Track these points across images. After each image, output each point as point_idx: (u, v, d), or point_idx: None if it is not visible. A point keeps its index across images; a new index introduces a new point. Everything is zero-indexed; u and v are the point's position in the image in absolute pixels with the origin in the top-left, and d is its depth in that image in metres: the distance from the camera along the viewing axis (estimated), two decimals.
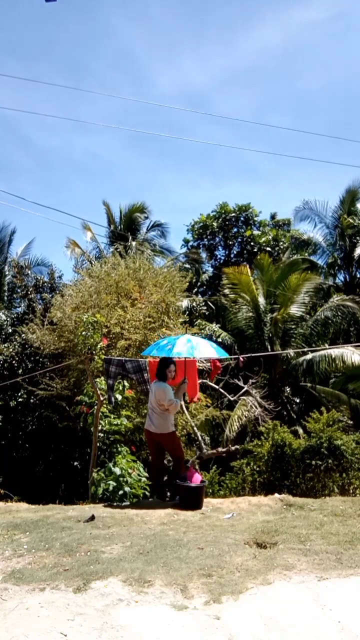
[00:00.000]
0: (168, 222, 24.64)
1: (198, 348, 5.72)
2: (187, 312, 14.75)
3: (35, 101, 60.42)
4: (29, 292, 12.97)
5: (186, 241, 23.16)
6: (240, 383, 9.49)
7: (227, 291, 16.23)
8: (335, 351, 13.65)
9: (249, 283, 15.23)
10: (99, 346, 6.82)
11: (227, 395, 9.25)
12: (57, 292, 12.37)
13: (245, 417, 10.93)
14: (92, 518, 4.76)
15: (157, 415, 5.73)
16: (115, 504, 5.77)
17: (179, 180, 58.66)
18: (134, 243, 18.51)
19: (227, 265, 21.21)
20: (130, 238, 18.64)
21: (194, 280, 19.07)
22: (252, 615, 2.77)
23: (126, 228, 20.19)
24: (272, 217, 25.73)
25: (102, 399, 6.73)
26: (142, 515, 4.94)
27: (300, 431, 10.83)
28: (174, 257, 20.40)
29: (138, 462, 7.15)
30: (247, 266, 16.45)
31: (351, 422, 12.96)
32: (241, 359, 7.64)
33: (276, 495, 6.38)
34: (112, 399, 6.81)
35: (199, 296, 18.95)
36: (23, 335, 10.86)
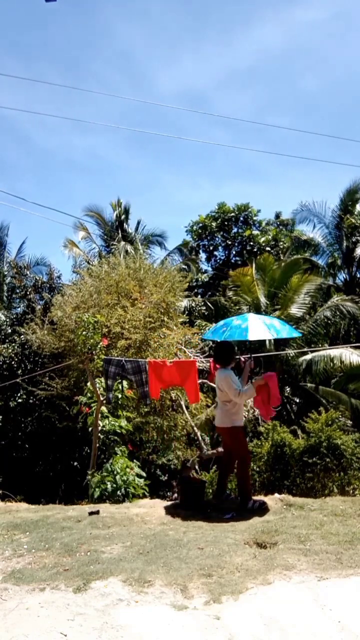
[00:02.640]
0: (165, 223, 25.05)
1: (273, 327, 5.30)
2: (187, 312, 14.76)
3: (35, 101, 60.52)
4: (28, 293, 12.97)
5: (185, 242, 23.19)
6: None
7: (230, 293, 16.24)
8: (334, 351, 13.66)
9: (251, 284, 15.26)
10: (99, 346, 6.82)
11: None
12: (57, 292, 12.39)
13: (245, 417, 10.91)
14: (97, 512, 4.86)
15: (220, 406, 5.25)
16: (115, 504, 5.76)
17: (179, 180, 58.70)
18: (121, 243, 18.61)
19: (227, 266, 21.25)
20: (121, 237, 18.77)
21: (193, 282, 19.13)
22: (252, 615, 2.77)
23: (117, 227, 20.35)
24: (277, 216, 25.72)
25: (102, 399, 6.72)
26: (142, 515, 4.93)
27: (300, 431, 10.82)
28: (168, 253, 20.61)
29: (136, 461, 7.16)
30: (251, 266, 16.49)
31: (350, 422, 12.95)
32: (242, 359, 7.60)
33: (276, 495, 6.38)
34: (111, 399, 6.77)
35: (199, 296, 18.97)
36: (22, 335, 10.86)
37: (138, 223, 21.80)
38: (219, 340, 5.50)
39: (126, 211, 21.27)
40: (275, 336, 5.39)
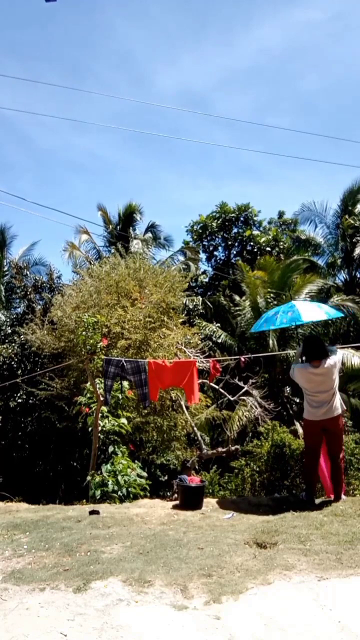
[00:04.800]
0: (165, 223, 24.85)
1: (322, 308, 5.70)
2: (186, 312, 14.77)
3: (35, 101, 60.47)
4: (28, 293, 12.98)
5: (185, 243, 23.19)
6: (241, 383, 9.49)
7: (243, 297, 16.31)
8: None
9: (252, 284, 15.29)
10: (99, 346, 6.82)
11: (228, 395, 9.25)
12: (57, 292, 12.39)
13: (246, 417, 10.93)
14: (97, 512, 4.88)
15: (332, 396, 5.14)
16: (115, 504, 5.76)
17: (179, 180, 58.71)
18: (134, 242, 18.57)
19: (227, 266, 21.25)
20: (128, 238, 18.74)
21: (193, 282, 19.13)
22: (252, 615, 2.76)
23: (123, 228, 20.32)
24: (280, 215, 25.70)
25: (102, 399, 6.72)
26: (142, 515, 4.93)
27: (300, 431, 10.81)
28: (171, 254, 20.62)
29: (137, 462, 7.15)
30: (254, 267, 16.57)
31: (351, 422, 12.96)
32: (242, 359, 7.60)
33: (276, 495, 6.39)
34: (108, 400, 6.74)
35: (198, 296, 18.99)
36: (22, 335, 10.86)
37: (150, 226, 21.80)
38: (308, 336, 5.58)
39: (137, 212, 21.28)
40: (326, 317, 5.65)
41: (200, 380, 7.91)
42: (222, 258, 22.86)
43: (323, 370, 5.10)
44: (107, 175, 61.57)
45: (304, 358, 5.32)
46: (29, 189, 62.31)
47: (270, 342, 14.26)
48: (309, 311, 5.62)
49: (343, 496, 5.27)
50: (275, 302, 15.27)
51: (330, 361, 5.13)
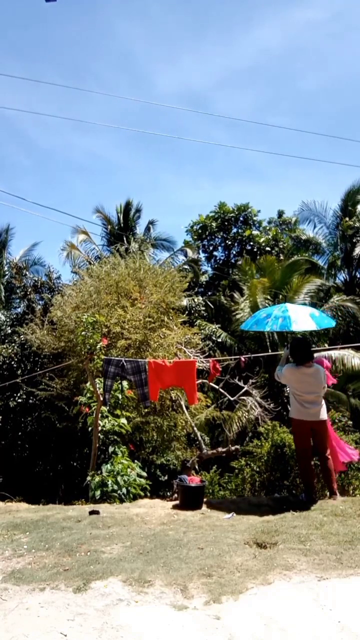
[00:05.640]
0: (165, 223, 25.00)
1: (314, 317, 5.58)
2: (187, 312, 14.76)
3: (35, 101, 60.55)
4: (28, 293, 12.98)
5: (185, 243, 23.19)
6: (241, 383, 9.48)
7: (237, 295, 16.32)
8: (334, 353, 13.66)
9: (252, 285, 15.30)
10: (98, 346, 6.82)
11: (227, 395, 9.25)
12: (56, 292, 12.40)
13: (246, 417, 10.92)
14: (97, 512, 4.88)
15: (319, 401, 5.22)
16: (114, 503, 5.76)
17: (179, 180, 58.76)
18: (134, 244, 18.60)
19: (227, 266, 21.26)
20: (128, 238, 18.76)
21: (193, 282, 19.13)
22: (252, 615, 2.76)
23: (122, 228, 20.35)
24: (280, 215, 25.67)
25: (102, 399, 6.72)
26: (142, 515, 4.93)
27: None
28: (172, 253, 20.66)
29: (137, 462, 7.15)
30: (253, 266, 16.55)
31: (351, 422, 12.96)
32: (242, 359, 7.59)
33: (276, 495, 6.39)
34: (107, 400, 6.71)
35: (199, 296, 18.98)
36: (22, 335, 10.86)
37: (149, 224, 21.85)
38: (297, 338, 5.52)
39: (134, 209, 21.35)
40: (316, 327, 5.54)
41: (200, 380, 7.89)
42: (222, 258, 22.85)
43: (314, 371, 5.24)
44: (108, 175, 61.65)
45: (291, 360, 5.40)
46: (29, 189, 62.40)
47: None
48: (300, 321, 5.54)
49: (340, 497, 5.27)
50: (274, 303, 15.30)
51: (319, 366, 5.32)
